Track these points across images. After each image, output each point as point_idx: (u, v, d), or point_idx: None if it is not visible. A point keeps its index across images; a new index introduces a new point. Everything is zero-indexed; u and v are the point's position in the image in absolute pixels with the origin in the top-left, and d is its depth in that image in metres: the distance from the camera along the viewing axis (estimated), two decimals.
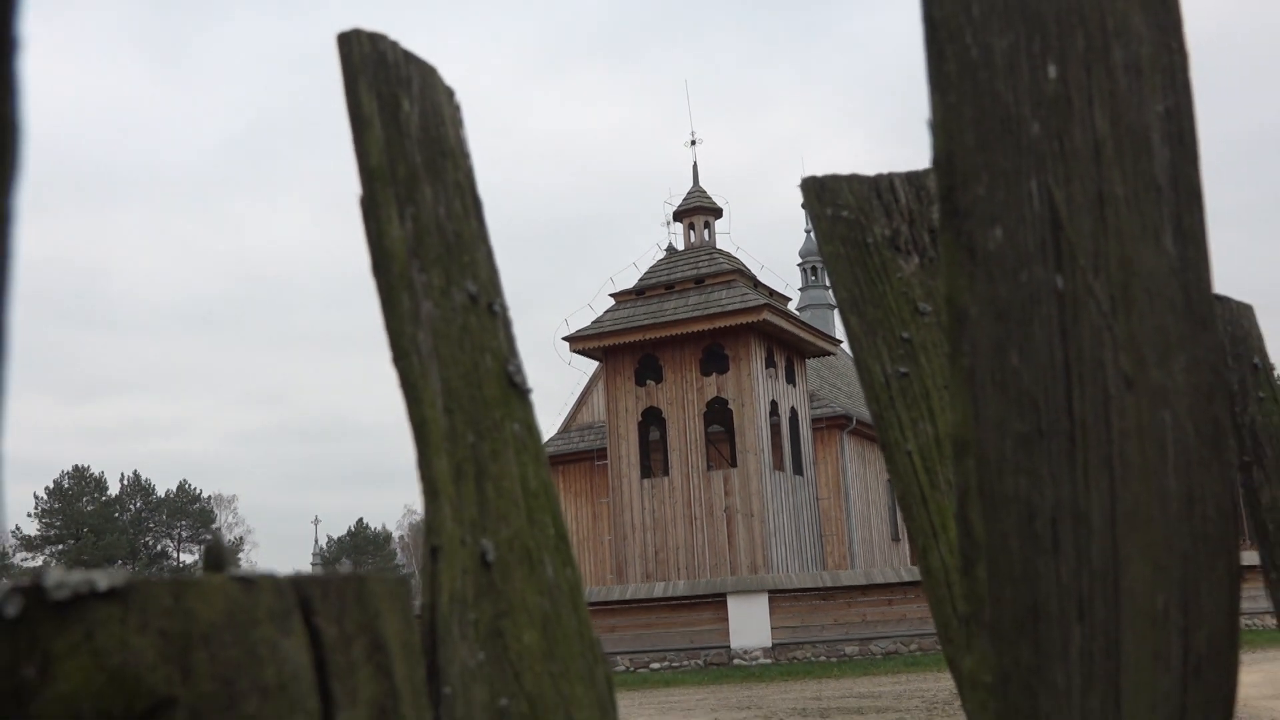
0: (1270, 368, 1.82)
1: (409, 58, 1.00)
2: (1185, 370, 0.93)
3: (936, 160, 0.82)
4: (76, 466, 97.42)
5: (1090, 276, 0.87)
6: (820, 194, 1.38)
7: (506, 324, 1.00)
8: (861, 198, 1.39)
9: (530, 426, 0.98)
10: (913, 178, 1.44)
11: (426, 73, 1.02)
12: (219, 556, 0.66)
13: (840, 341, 37.61)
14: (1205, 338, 0.96)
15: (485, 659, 0.88)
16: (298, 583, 0.66)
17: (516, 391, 0.98)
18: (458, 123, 1.04)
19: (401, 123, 0.97)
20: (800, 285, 57.86)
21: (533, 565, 0.93)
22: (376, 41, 0.98)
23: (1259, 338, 1.83)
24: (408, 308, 0.91)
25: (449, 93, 1.05)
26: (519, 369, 0.99)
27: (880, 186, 1.41)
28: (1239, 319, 1.81)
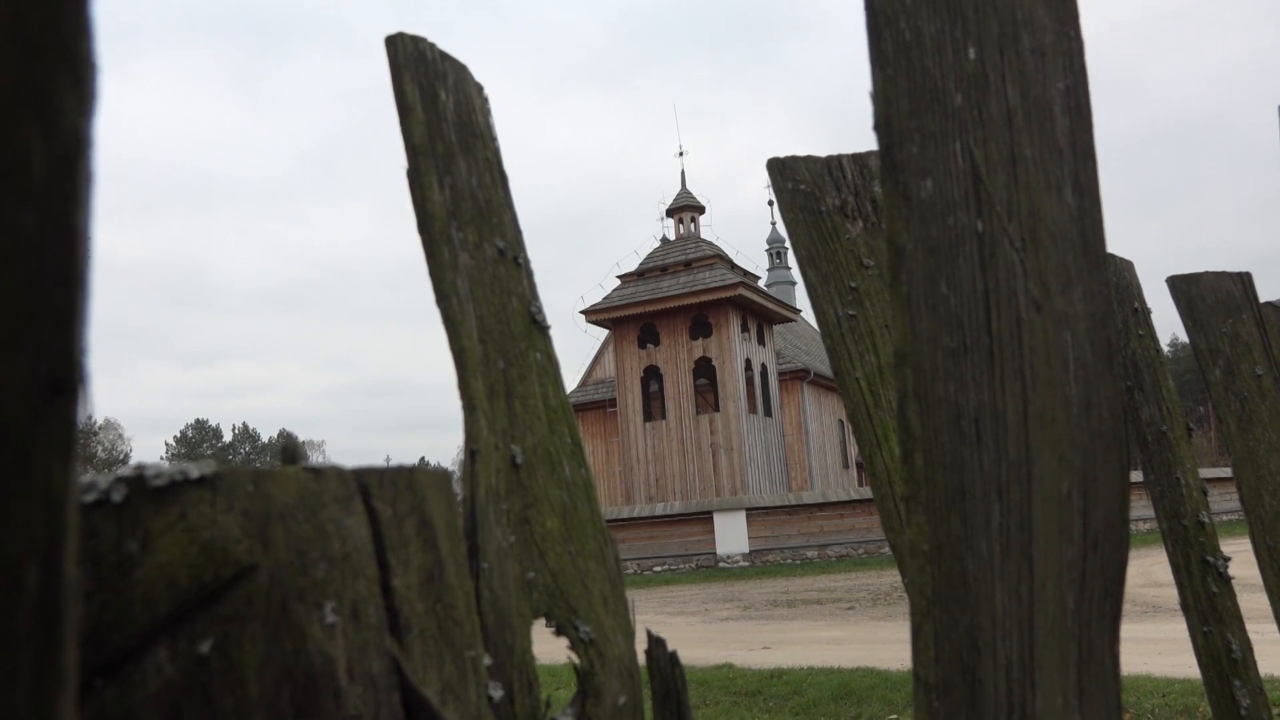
0: (1148, 310, 1.79)
1: (445, 56, 0.96)
2: (1083, 299, 0.90)
3: (877, 123, 0.79)
4: (198, 420, 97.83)
5: (1005, 221, 0.84)
6: (782, 171, 1.35)
7: (529, 274, 0.97)
8: (815, 174, 1.36)
9: (550, 355, 0.95)
10: (858, 158, 1.40)
11: (459, 69, 0.98)
12: (294, 452, 0.64)
13: (800, 310, 37.57)
14: (1099, 274, 0.93)
15: (516, 541, 0.86)
16: (358, 473, 0.64)
17: (538, 327, 0.95)
18: (486, 112, 1.01)
19: (439, 109, 0.93)
20: (768, 266, 57.65)
21: (553, 466, 0.91)
22: (418, 42, 0.94)
23: (1138, 287, 1.80)
24: (447, 258, 0.88)
25: (478, 87, 1.01)
26: (539, 310, 0.96)
27: (831, 165, 1.38)
28: (1122, 271, 1.78)
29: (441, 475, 0.72)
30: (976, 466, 0.79)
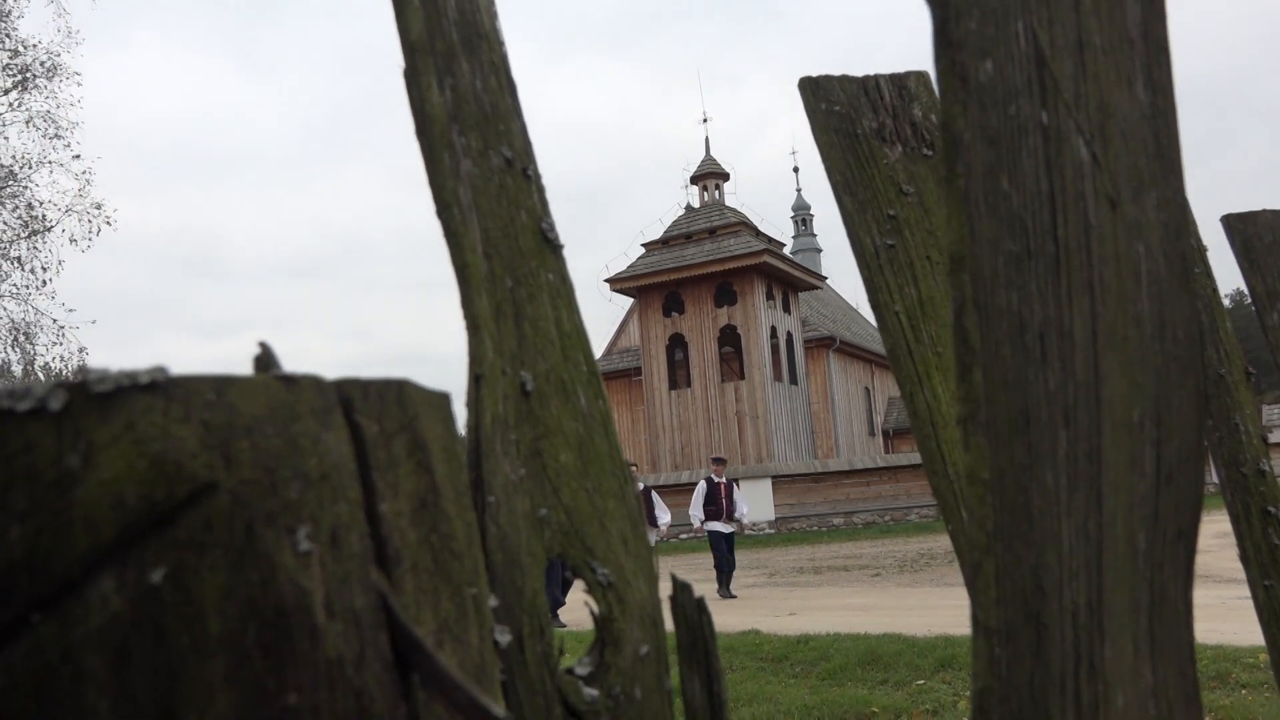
0: (1204, 248, 1.68)
1: None
2: (1156, 207, 0.81)
3: None
4: None
5: (1072, 115, 0.74)
6: (815, 91, 1.25)
7: (540, 189, 0.89)
8: (851, 95, 1.26)
9: (563, 277, 0.87)
10: (895, 79, 1.30)
11: None
12: (267, 360, 0.56)
13: (826, 278, 37.31)
14: (1173, 180, 0.83)
15: (526, 475, 0.78)
16: (339, 384, 0.56)
17: (550, 246, 0.87)
18: (492, 14, 0.92)
19: (440, 4, 0.85)
20: (793, 234, 57.24)
21: (567, 395, 0.83)
22: None
23: (1194, 223, 1.69)
24: (448, 165, 0.80)
25: None
26: (552, 227, 0.87)
27: (867, 85, 1.28)
28: None
29: (439, 395, 0.64)
30: (1041, 387, 0.70)
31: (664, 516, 13.81)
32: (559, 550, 0.78)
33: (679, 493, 25.27)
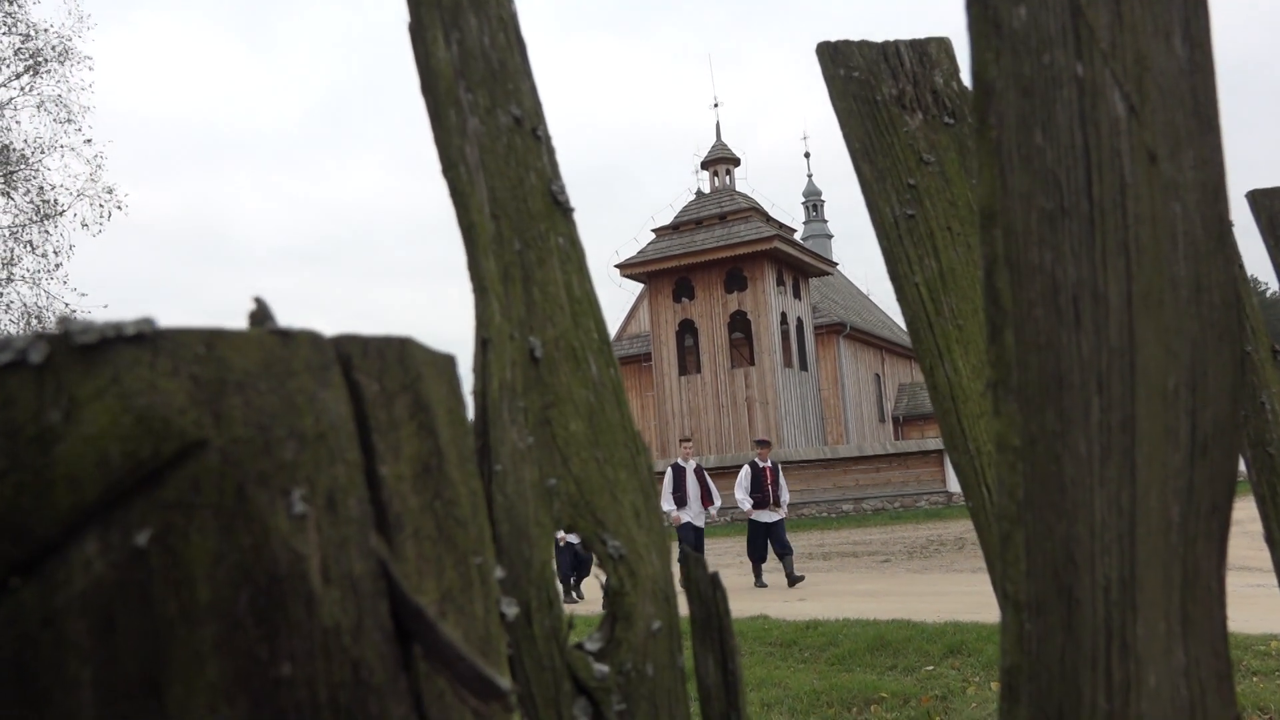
0: (1231, 222, 1.64)
1: None
2: (1193, 166, 0.77)
3: None
4: None
5: (1108, 66, 0.71)
6: (834, 56, 1.21)
7: (550, 150, 0.85)
8: (870, 61, 1.22)
9: (574, 241, 0.84)
10: (916, 44, 1.26)
11: None
12: (263, 315, 0.53)
13: (836, 264, 37.19)
14: (1211, 139, 0.79)
15: (534, 443, 0.75)
16: (338, 340, 0.53)
17: (560, 209, 0.83)
18: None
19: None
20: (804, 219, 57.03)
21: (578, 362, 0.80)
22: None
23: None
24: (454, 122, 0.77)
25: None
26: (562, 189, 0.84)
27: (887, 51, 1.24)
28: None
29: (444, 357, 0.61)
30: (1075, 351, 0.67)
31: (718, 500, 13.09)
32: (568, 521, 0.75)
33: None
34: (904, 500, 24.76)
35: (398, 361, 0.55)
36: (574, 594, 12.43)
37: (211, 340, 0.48)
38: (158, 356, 0.46)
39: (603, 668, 0.72)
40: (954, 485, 23.94)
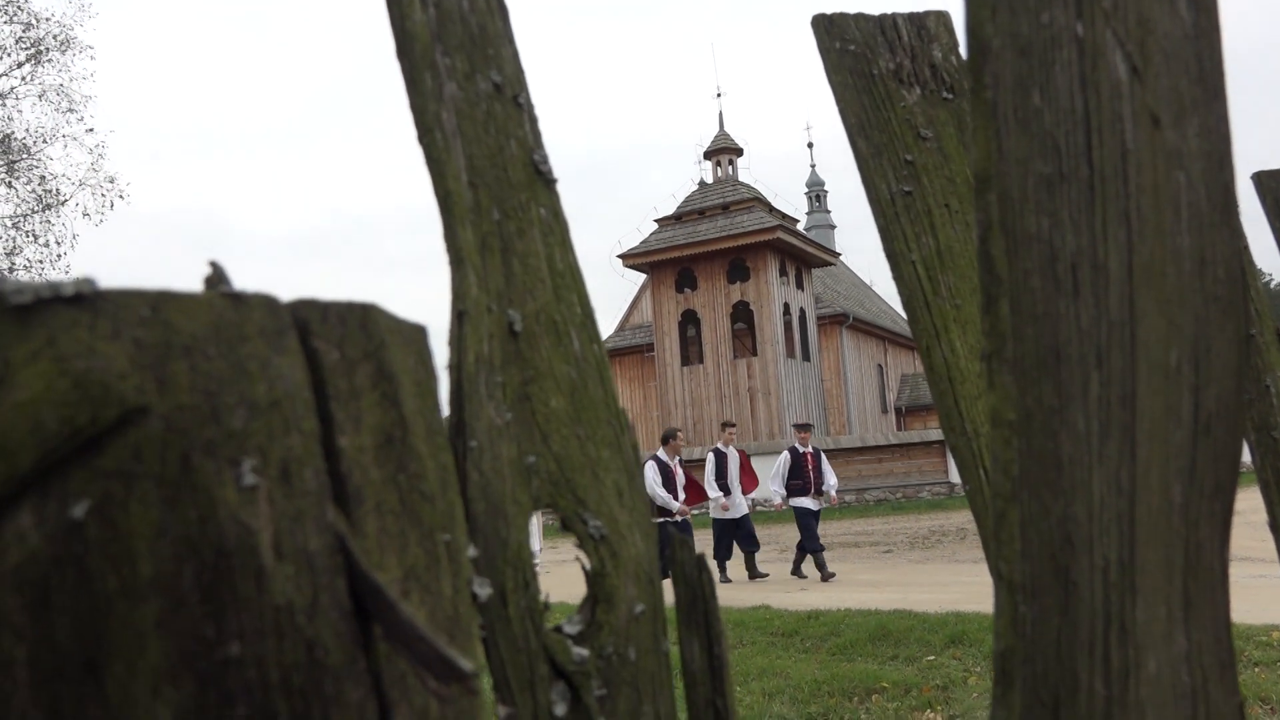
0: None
1: None
2: (1198, 135, 0.74)
3: None
4: None
5: (1109, 26, 0.68)
6: (829, 29, 1.18)
7: (533, 119, 0.82)
8: (867, 33, 1.19)
9: (557, 213, 0.81)
10: (914, 18, 1.23)
11: None
12: (217, 278, 0.50)
13: (839, 254, 37.12)
14: (1216, 107, 0.76)
15: (513, 419, 0.72)
16: (295, 305, 0.50)
17: (542, 179, 0.81)
18: None
19: None
20: (807, 210, 56.92)
21: (559, 337, 0.77)
22: None
23: None
24: (430, 87, 0.74)
25: None
26: (545, 159, 0.81)
27: (884, 24, 1.21)
28: None
29: (413, 327, 0.58)
30: (1073, 322, 0.64)
31: (761, 485, 12.50)
32: (547, 499, 0.72)
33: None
34: (906, 491, 24.76)
35: (360, 328, 0.52)
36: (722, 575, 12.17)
37: (157, 303, 0.45)
38: (97, 319, 0.44)
39: (582, 651, 0.70)
40: (956, 476, 23.92)
